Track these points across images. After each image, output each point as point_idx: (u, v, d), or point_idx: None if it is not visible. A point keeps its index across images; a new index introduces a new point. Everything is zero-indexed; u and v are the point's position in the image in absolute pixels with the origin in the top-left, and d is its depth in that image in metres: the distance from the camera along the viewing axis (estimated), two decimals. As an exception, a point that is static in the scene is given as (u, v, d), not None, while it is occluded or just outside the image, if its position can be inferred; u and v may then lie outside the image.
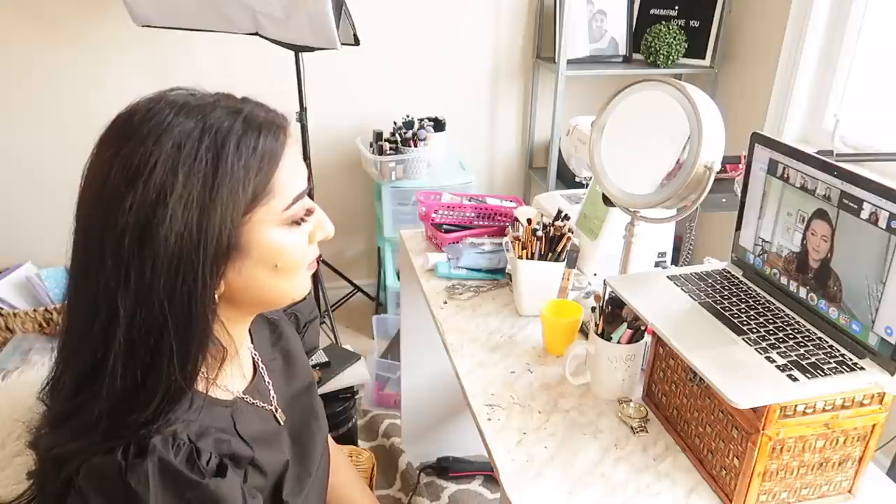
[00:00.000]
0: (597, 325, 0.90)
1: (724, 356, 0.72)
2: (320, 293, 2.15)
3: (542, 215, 1.14)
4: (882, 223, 0.68)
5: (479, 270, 1.19)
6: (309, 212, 0.58)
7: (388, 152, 2.03)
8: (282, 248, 0.55)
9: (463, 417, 1.62)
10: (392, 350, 1.98)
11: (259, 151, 0.51)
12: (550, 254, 1.07)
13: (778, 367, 0.69)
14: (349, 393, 1.56)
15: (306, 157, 1.96)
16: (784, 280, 0.83)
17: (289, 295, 0.59)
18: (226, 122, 0.51)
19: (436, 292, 1.17)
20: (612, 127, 0.97)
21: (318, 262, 0.62)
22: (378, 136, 2.07)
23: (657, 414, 0.88)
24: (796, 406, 0.68)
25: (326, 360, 1.56)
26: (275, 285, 0.56)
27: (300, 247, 0.57)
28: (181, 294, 0.49)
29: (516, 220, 1.19)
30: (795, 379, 0.68)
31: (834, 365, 0.70)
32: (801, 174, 0.77)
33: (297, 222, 0.56)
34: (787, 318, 0.79)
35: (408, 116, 2.16)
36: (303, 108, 1.89)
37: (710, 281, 0.88)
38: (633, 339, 0.88)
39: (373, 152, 2.05)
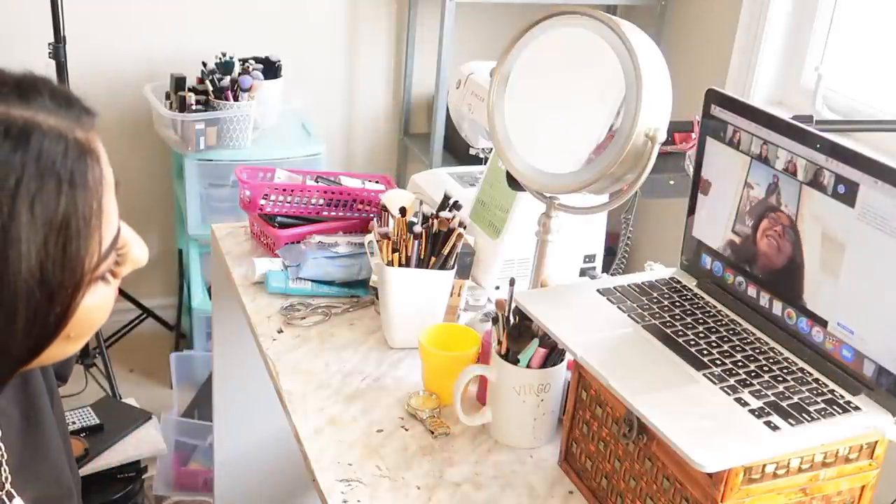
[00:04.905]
0: (499, 342, 0.83)
1: (681, 399, 0.66)
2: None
3: (421, 202, 1.05)
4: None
5: (330, 284, 1.11)
6: (119, 252, 0.53)
7: (195, 108, 1.73)
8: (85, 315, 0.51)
9: (306, 500, 1.44)
10: (200, 404, 1.75)
11: (58, 219, 0.45)
12: (434, 258, 0.98)
13: (752, 411, 0.64)
14: (133, 471, 1.39)
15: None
16: (752, 291, 0.78)
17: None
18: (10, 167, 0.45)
19: (266, 316, 1.06)
20: (519, 78, 0.90)
21: None
22: (179, 83, 1.75)
23: (579, 486, 0.80)
24: (764, 467, 0.62)
25: (98, 421, 1.38)
26: (59, 352, 0.52)
27: (105, 308, 0.52)
28: None
29: (385, 209, 1.09)
30: (776, 427, 0.62)
31: (822, 405, 0.64)
32: (773, 146, 0.72)
33: (106, 279, 0.51)
34: (759, 345, 0.73)
35: (224, 55, 1.80)
36: (61, 40, 1.56)
37: (655, 295, 0.81)
38: (549, 361, 0.80)
39: (171, 107, 1.75)
